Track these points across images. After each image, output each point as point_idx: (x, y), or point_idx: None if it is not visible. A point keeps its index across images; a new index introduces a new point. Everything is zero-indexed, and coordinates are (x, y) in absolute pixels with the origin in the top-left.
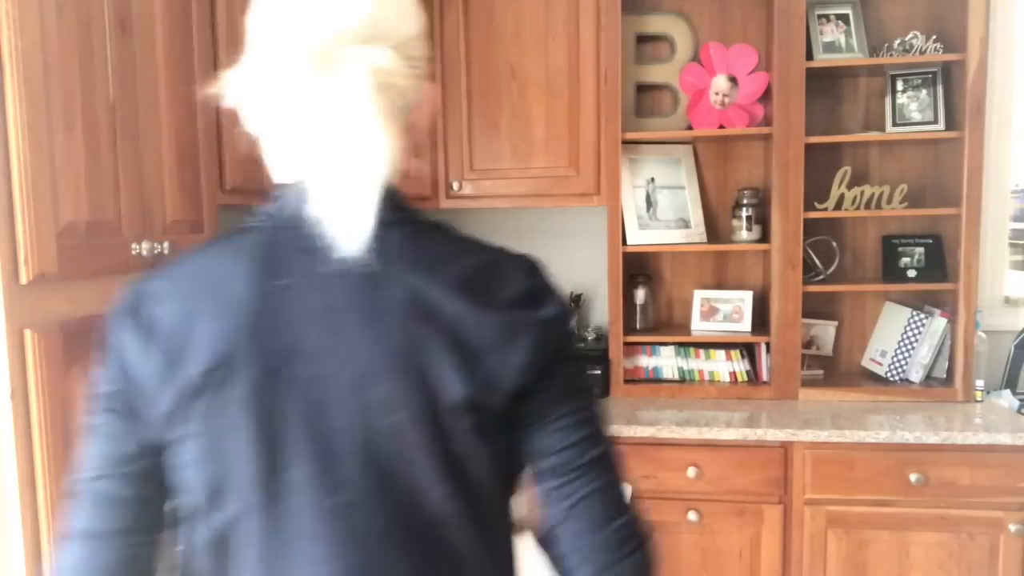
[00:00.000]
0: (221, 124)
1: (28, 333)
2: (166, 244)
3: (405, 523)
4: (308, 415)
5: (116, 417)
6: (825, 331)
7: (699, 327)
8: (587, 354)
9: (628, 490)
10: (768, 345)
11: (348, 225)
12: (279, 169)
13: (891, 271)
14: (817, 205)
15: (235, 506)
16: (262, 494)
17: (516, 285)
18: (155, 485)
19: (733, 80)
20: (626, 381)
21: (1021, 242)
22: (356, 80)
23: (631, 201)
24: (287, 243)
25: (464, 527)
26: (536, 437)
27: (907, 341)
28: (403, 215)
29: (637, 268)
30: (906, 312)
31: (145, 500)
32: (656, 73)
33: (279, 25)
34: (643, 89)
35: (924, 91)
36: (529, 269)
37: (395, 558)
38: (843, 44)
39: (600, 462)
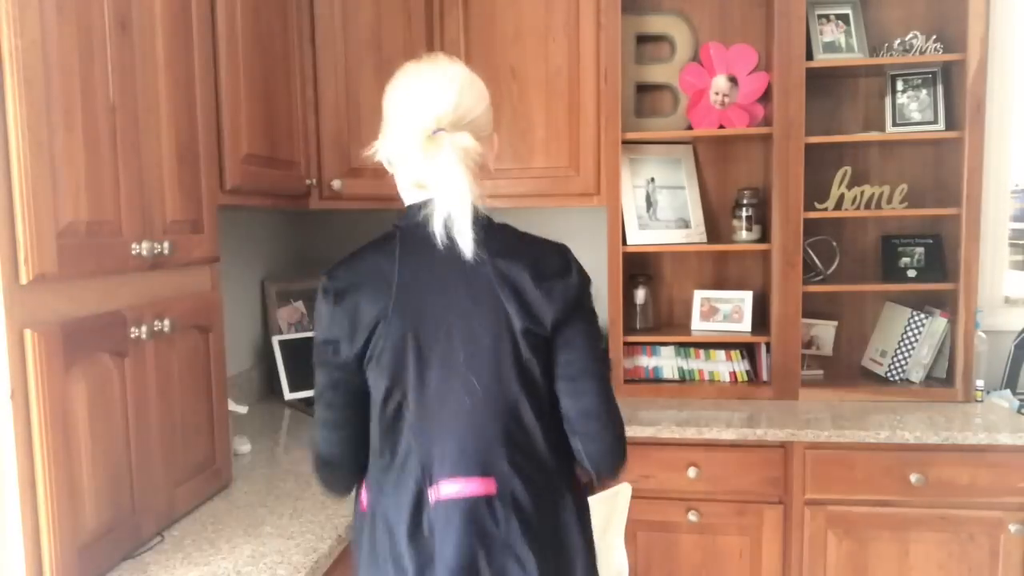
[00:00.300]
0: (221, 124)
1: (28, 333)
2: (166, 244)
3: (495, 402)
4: (438, 339)
5: (326, 358)
6: (825, 331)
7: (699, 327)
8: None
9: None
10: (768, 345)
11: (461, 233)
12: (407, 195)
13: (891, 271)
14: (817, 205)
15: (404, 392)
16: (416, 384)
17: (554, 263)
18: (357, 394)
19: (733, 80)
20: (626, 381)
21: (1021, 242)
22: (451, 156)
23: (631, 201)
24: (416, 242)
25: (530, 410)
26: (562, 354)
27: (907, 341)
28: (483, 221)
29: (637, 268)
30: (906, 312)
31: (352, 403)
32: (656, 73)
33: (402, 111)
34: (643, 89)
35: (924, 91)
36: (562, 252)
37: (491, 422)
38: (843, 44)
39: (597, 374)
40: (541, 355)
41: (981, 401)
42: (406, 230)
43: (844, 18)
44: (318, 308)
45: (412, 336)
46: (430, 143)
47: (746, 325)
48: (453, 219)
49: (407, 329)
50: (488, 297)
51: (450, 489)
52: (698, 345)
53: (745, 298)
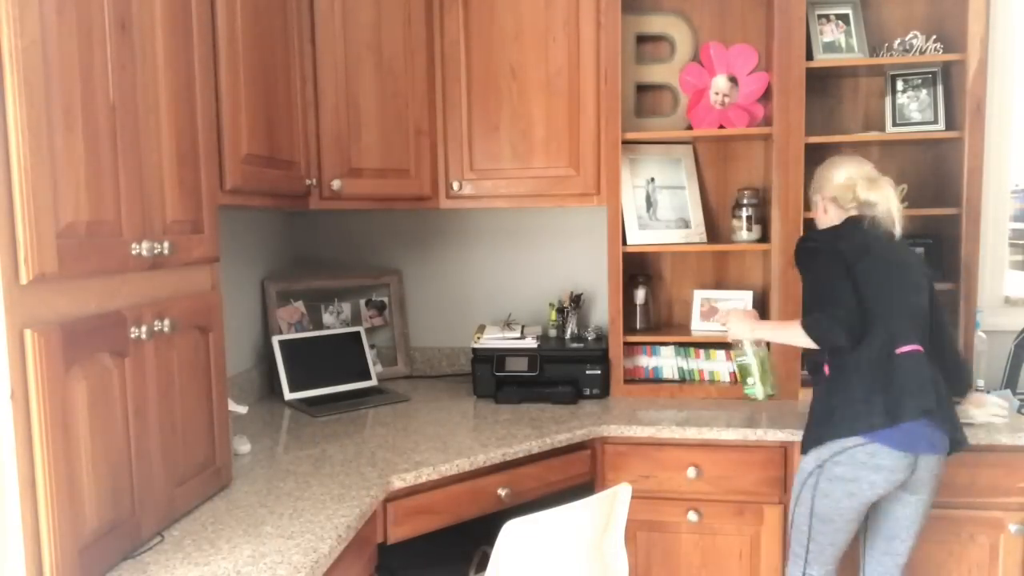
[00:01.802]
0: (221, 124)
1: (28, 333)
2: (166, 244)
3: (924, 328)
4: (895, 289)
5: (841, 275)
6: None
7: (699, 327)
8: (587, 354)
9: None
10: (768, 345)
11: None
12: (853, 210)
13: None
14: None
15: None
16: (889, 314)
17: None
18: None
19: (733, 80)
20: (626, 381)
21: (1021, 242)
22: (888, 190)
23: (631, 201)
24: (879, 235)
25: (942, 340)
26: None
27: None
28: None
29: (637, 268)
30: None
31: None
32: (656, 73)
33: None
34: (643, 89)
35: (924, 91)
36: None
37: (924, 336)
38: (843, 44)
39: (945, 332)
40: (935, 308)
41: None
42: (865, 226)
43: (844, 18)
44: (823, 247)
45: (880, 281)
46: (873, 181)
47: None
48: (895, 224)
49: (881, 276)
50: (918, 271)
51: (911, 347)
52: (698, 345)
53: (745, 298)
